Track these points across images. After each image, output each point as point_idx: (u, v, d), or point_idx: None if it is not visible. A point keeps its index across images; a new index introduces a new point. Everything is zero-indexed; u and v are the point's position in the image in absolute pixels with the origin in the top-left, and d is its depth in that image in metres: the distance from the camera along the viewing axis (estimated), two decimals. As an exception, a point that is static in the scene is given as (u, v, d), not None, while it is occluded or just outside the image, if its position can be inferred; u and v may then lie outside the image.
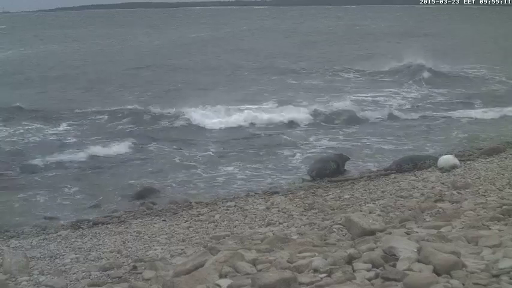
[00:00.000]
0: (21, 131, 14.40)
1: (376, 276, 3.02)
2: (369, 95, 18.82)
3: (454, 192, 6.99)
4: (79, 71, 25.32)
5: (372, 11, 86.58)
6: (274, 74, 23.73)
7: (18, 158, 11.96)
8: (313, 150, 12.13)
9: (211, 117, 15.16)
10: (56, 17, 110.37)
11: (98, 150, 12.29)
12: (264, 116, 15.22)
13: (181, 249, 6.05)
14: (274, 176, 10.27)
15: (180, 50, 35.23)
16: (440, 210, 5.91)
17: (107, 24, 70.67)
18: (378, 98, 18.23)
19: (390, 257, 3.25)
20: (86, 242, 6.92)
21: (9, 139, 13.66)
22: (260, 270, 3.46)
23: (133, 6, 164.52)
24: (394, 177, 9.08)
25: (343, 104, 16.72)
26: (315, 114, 15.51)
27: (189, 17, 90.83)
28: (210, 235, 6.60)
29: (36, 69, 26.56)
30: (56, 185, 10.24)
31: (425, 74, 21.41)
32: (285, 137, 13.42)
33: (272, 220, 7.08)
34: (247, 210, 7.78)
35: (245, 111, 15.54)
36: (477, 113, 15.35)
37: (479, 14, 62.43)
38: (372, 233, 4.39)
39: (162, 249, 6.21)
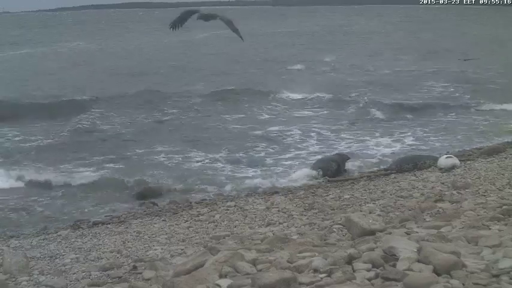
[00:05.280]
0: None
1: (376, 276, 3.01)
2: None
3: (454, 192, 6.98)
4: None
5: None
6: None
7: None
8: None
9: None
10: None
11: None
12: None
13: (181, 249, 6.04)
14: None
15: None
16: (440, 210, 5.90)
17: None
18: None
19: (390, 257, 3.25)
20: (86, 242, 6.92)
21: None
22: (260, 270, 3.46)
23: (133, 6, 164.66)
24: (394, 177, 9.07)
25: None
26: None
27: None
28: (210, 235, 6.59)
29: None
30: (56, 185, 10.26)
31: None
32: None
33: (272, 220, 7.07)
34: (247, 210, 7.77)
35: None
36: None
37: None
38: (372, 233, 4.38)
39: (162, 249, 6.20)
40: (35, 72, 26.14)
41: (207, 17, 6.29)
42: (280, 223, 6.86)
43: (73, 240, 7.09)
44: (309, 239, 4.89)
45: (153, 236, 6.91)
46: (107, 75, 23.89)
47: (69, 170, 11.18)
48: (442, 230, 4.38)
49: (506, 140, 11.63)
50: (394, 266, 3.09)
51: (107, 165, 11.52)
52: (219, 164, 11.35)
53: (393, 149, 12.07)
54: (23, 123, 15.58)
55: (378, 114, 15.89)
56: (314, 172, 9.93)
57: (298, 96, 18.75)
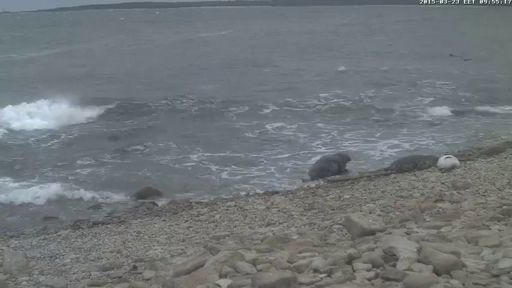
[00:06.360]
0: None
1: (376, 276, 3.01)
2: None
3: (454, 192, 6.97)
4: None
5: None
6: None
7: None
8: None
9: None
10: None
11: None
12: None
13: (181, 249, 6.04)
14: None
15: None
16: (440, 210, 5.90)
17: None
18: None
19: (390, 257, 3.25)
20: (86, 242, 6.92)
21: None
22: (260, 270, 3.46)
23: (133, 6, 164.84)
24: (394, 177, 9.05)
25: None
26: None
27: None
28: (210, 235, 6.59)
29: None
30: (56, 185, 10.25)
31: None
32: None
33: (272, 220, 7.07)
34: (247, 210, 7.77)
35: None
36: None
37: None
38: (372, 233, 4.38)
39: (162, 249, 6.20)
40: (32, 73, 26.16)
41: None
42: (280, 223, 6.85)
43: (73, 240, 7.09)
44: (309, 239, 4.89)
45: (153, 236, 6.91)
46: (108, 75, 23.90)
47: (69, 170, 11.18)
48: (442, 230, 4.38)
49: (506, 140, 11.62)
50: (394, 266, 3.09)
51: (108, 164, 11.53)
52: (220, 163, 11.34)
53: (394, 149, 12.07)
54: (24, 125, 15.60)
55: (379, 114, 15.91)
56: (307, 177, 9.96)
57: (301, 96, 18.73)
